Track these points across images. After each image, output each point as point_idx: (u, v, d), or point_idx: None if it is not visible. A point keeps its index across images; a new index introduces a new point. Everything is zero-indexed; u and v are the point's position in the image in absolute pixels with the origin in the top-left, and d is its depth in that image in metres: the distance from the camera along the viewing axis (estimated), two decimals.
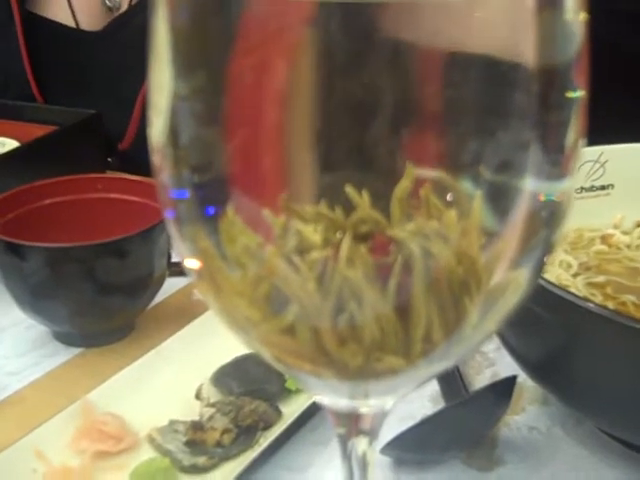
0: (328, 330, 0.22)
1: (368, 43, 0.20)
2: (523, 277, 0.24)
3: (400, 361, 0.23)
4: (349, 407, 0.27)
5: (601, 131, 0.56)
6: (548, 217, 0.23)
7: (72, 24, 1.01)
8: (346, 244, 0.21)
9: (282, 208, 0.21)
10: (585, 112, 0.23)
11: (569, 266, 0.53)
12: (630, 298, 0.49)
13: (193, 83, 0.22)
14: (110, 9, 1.00)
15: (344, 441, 0.28)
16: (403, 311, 0.22)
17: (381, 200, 0.21)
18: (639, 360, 0.39)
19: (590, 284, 0.51)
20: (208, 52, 0.22)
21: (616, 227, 0.57)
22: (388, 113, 0.20)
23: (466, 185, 0.21)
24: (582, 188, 0.58)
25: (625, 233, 0.57)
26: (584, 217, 0.58)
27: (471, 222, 0.21)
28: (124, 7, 0.99)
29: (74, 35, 1.01)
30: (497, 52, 0.21)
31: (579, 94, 0.23)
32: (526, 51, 0.21)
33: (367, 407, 0.27)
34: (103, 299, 0.57)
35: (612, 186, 0.58)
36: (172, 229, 0.24)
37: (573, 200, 0.24)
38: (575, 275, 0.52)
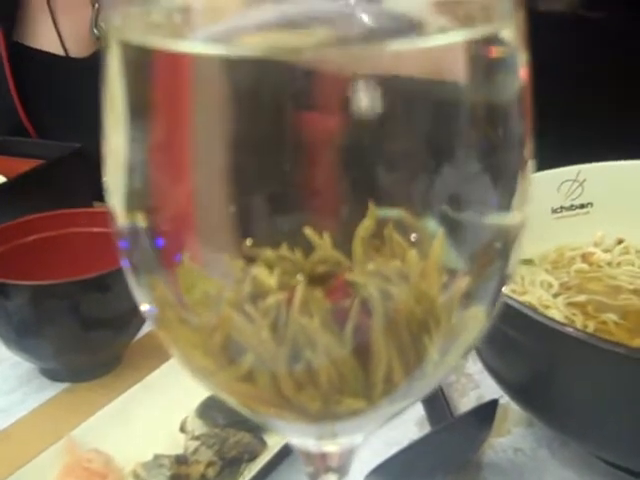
0: (285, 376, 0.22)
1: (311, 85, 0.20)
2: (481, 312, 0.24)
3: (361, 403, 0.23)
4: (317, 446, 0.27)
5: (579, 149, 0.57)
6: (502, 248, 0.23)
7: (60, 53, 1.02)
8: (301, 289, 0.21)
9: (240, 252, 0.21)
10: (531, 139, 0.23)
11: (550, 286, 0.53)
12: (611, 317, 0.49)
13: (145, 131, 0.22)
14: (98, 38, 1.01)
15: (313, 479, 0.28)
16: (361, 354, 0.22)
17: (342, 242, 0.21)
18: (619, 383, 0.39)
19: (571, 304, 0.51)
20: (156, 99, 0.22)
21: (596, 245, 0.58)
22: (339, 154, 0.21)
23: (427, 223, 0.22)
24: (562, 207, 0.58)
25: (606, 251, 0.57)
26: (564, 236, 0.58)
27: (431, 261, 0.22)
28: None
29: (62, 63, 1.02)
30: (440, 89, 0.21)
31: (523, 126, 0.23)
32: (467, 89, 0.21)
33: (336, 445, 0.27)
34: (88, 334, 0.57)
35: (591, 204, 0.58)
36: (128, 277, 0.24)
37: (526, 228, 0.25)
38: (556, 295, 0.53)
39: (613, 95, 0.78)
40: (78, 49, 1.02)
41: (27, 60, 1.03)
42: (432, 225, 0.21)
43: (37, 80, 1.02)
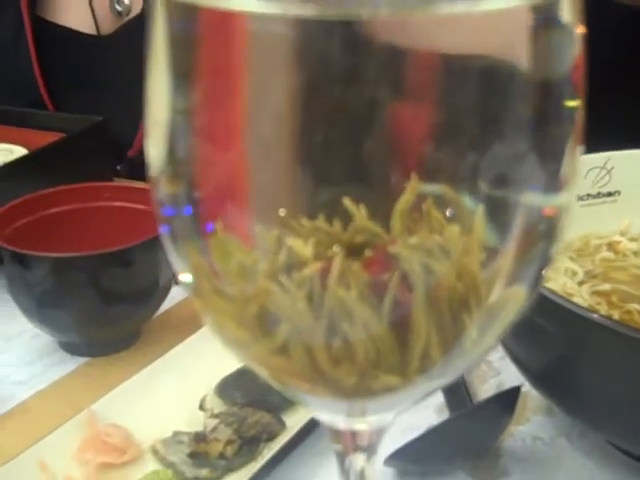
0: (321, 350, 0.21)
1: (362, 56, 0.20)
2: (522, 291, 0.24)
3: (397, 379, 0.23)
4: (347, 424, 0.26)
5: (608, 137, 0.56)
6: (546, 230, 0.23)
7: (82, 29, 1.02)
8: (338, 260, 0.21)
9: (276, 223, 0.21)
10: (583, 122, 0.23)
11: (574, 274, 0.53)
12: (636, 307, 0.49)
13: (190, 96, 0.22)
14: (120, 13, 1.00)
15: (342, 458, 0.27)
16: (399, 329, 0.22)
17: (379, 215, 0.21)
18: None
19: (595, 292, 0.51)
20: (205, 66, 0.22)
21: (623, 234, 0.57)
22: (386, 127, 0.20)
23: (467, 200, 0.21)
24: (588, 195, 0.58)
25: (632, 240, 0.56)
26: (590, 224, 0.57)
27: (472, 238, 0.21)
28: (134, 12, 0.99)
29: (84, 40, 1.01)
30: (492, 62, 0.21)
31: (575, 104, 0.23)
32: (522, 62, 0.21)
33: (365, 424, 0.27)
34: (109, 308, 0.57)
35: (619, 193, 0.58)
36: (167, 244, 0.24)
37: (571, 213, 0.24)
38: (581, 283, 0.52)
39: None
40: (99, 27, 1.02)
41: (50, 36, 1.02)
42: (472, 202, 0.21)
43: (59, 56, 1.02)
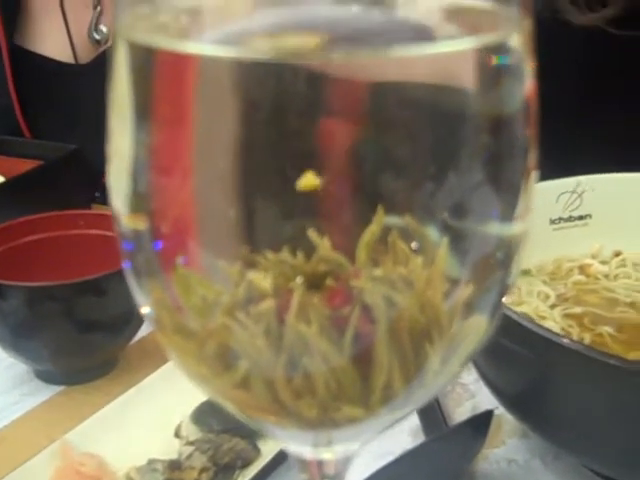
0: (282, 384, 0.22)
1: (317, 92, 0.20)
2: (482, 321, 0.24)
3: (359, 411, 0.23)
4: (313, 454, 0.27)
5: (579, 162, 0.57)
6: (504, 259, 0.23)
7: (59, 58, 1.02)
8: (298, 294, 0.21)
9: (237, 256, 0.21)
10: (536, 153, 0.24)
11: (547, 297, 0.53)
12: (607, 329, 0.49)
13: (148, 133, 0.22)
14: (98, 42, 1.01)
15: None
16: (361, 362, 0.22)
17: (343, 247, 0.21)
18: (613, 395, 0.39)
19: (567, 315, 0.52)
20: (162, 103, 0.22)
21: (594, 257, 0.58)
22: (345, 160, 0.21)
23: (429, 231, 0.22)
24: (560, 218, 0.58)
25: (603, 263, 0.57)
26: (563, 247, 0.58)
27: (436, 269, 0.22)
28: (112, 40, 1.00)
29: (61, 68, 1.02)
30: (446, 99, 0.21)
31: (528, 137, 0.23)
32: (474, 99, 0.21)
33: (331, 453, 0.27)
34: (84, 337, 0.57)
35: (590, 216, 0.59)
36: (129, 279, 0.24)
37: (528, 241, 0.25)
38: (553, 306, 0.53)
39: (618, 111, 0.78)
40: (77, 55, 1.02)
41: (27, 64, 1.03)
42: (436, 233, 0.21)
43: (37, 84, 1.02)
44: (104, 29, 1.00)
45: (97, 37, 1.00)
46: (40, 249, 0.62)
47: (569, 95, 0.77)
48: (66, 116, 1.01)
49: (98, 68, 0.99)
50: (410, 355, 0.22)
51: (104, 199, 0.83)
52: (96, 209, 0.79)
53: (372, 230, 0.21)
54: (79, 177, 0.85)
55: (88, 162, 0.86)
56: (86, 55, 1.01)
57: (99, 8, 1.00)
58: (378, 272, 0.21)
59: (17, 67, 1.02)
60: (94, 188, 0.93)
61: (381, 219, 0.20)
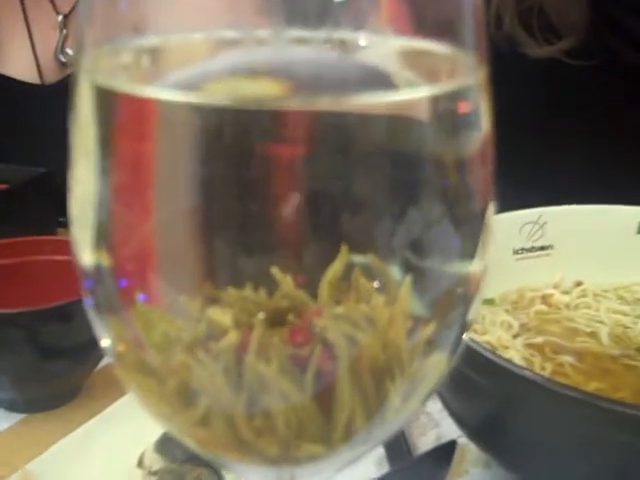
0: (243, 422, 0.22)
1: (275, 137, 0.21)
2: (443, 358, 0.24)
3: (320, 448, 0.23)
4: None
5: (542, 193, 0.58)
6: (464, 295, 0.24)
7: (25, 79, 1.02)
8: (257, 332, 0.21)
9: (201, 294, 0.21)
10: (493, 192, 0.24)
11: (510, 327, 0.54)
12: (568, 359, 0.50)
13: (107, 172, 0.22)
14: (64, 64, 1.00)
15: None
16: (322, 399, 0.22)
17: (305, 285, 0.21)
18: (573, 426, 0.40)
19: (529, 345, 0.52)
20: (122, 140, 0.22)
21: (556, 287, 0.59)
22: (304, 201, 0.21)
23: (390, 269, 0.22)
24: (523, 249, 0.59)
25: (565, 293, 0.58)
26: (525, 277, 0.59)
27: (398, 308, 0.22)
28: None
29: (26, 90, 1.01)
30: (403, 146, 0.22)
31: (484, 177, 0.24)
32: (430, 144, 0.22)
33: None
34: (48, 365, 0.56)
35: (552, 247, 0.60)
36: (90, 314, 0.24)
37: (487, 276, 0.25)
38: (515, 336, 0.53)
39: (578, 142, 0.80)
40: (43, 77, 1.02)
41: None
42: (397, 271, 0.22)
43: (1, 105, 1.02)
44: (70, 51, 0.99)
45: (63, 59, 1.00)
46: (4, 275, 0.62)
47: (528, 125, 0.78)
48: (32, 138, 1.00)
49: (64, 89, 0.99)
50: (371, 393, 0.22)
51: (69, 224, 0.81)
52: (61, 234, 0.79)
53: (335, 268, 0.21)
54: (45, 201, 0.84)
55: (55, 186, 0.85)
56: (52, 77, 1.01)
57: (65, 31, 0.99)
58: (340, 310, 0.21)
59: None
60: (59, 212, 0.93)
61: (345, 257, 0.21)
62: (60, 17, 0.99)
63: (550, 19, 0.75)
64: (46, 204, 0.84)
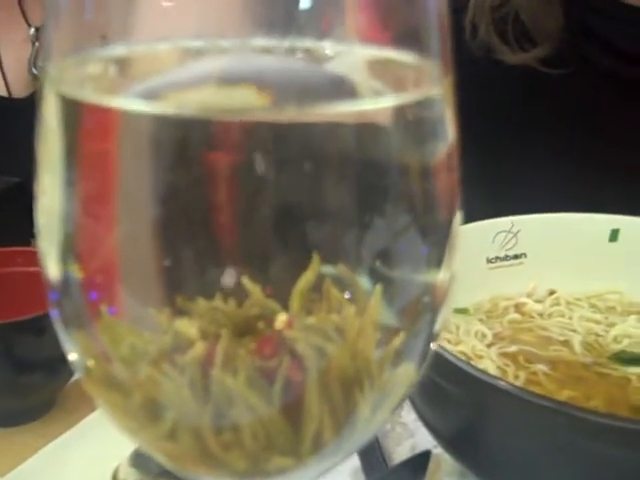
0: (210, 435, 0.22)
1: (242, 143, 0.20)
2: (411, 368, 0.24)
3: (289, 461, 0.23)
4: None
5: (517, 202, 0.59)
6: (431, 303, 0.24)
7: (1, 92, 1.01)
8: (223, 344, 0.21)
9: (168, 305, 0.21)
10: (459, 201, 0.24)
11: (484, 336, 0.54)
12: (541, 368, 0.50)
13: (72, 182, 0.22)
14: (36, 77, 1.00)
15: None
16: (290, 411, 0.22)
17: (273, 296, 0.21)
18: (546, 435, 0.40)
19: (503, 354, 0.52)
20: (87, 150, 0.22)
21: (529, 295, 0.59)
22: (271, 211, 0.21)
23: (360, 278, 0.22)
24: (497, 257, 0.60)
25: (538, 301, 0.59)
26: (499, 286, 0.59)
27: (368, 318, 0.22)
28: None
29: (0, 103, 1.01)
30: (368, 154, 0.22)
31: (450, 186, 0.24)
32: (395, 152, 0.22)
33: None
34: (21, 378, 0.55)
35: (525, 255, 0.60)
36: (57, 327, 0.24)
37: (454, 285, 0.25)
38: (489, 345, 0.54)
39: (552, 149, 0.80)
40: (15, 90, 1.01)
41: None
42: (367, 281, 0.22)
43: None
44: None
45: (35, 72, 0.99)
46: None
47: (503, 132, 0.79)
48: (3, 151, 1.00)
49: (36, 102, 0.98)
50: (340, 404, 0.22)
51: None
52: (34, 246, 0.78)
53: (307, 278, 0.21)
54: (18, 212, 0.84)
55: (28, 196, 0.85)
56: (23, 90, 1.01)
57: (37, 44, 0.99)
58: (310, 321, 0.21)
59: None
60: (32, 223, 0.92)
61: (316, 267, 0.21)
62: (32, 30, 0.99)
63: (525, 27, 0.76)
64: (18, 215, 0.84)
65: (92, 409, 0.56)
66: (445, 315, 0.25)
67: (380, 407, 0.24)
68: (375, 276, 0.22)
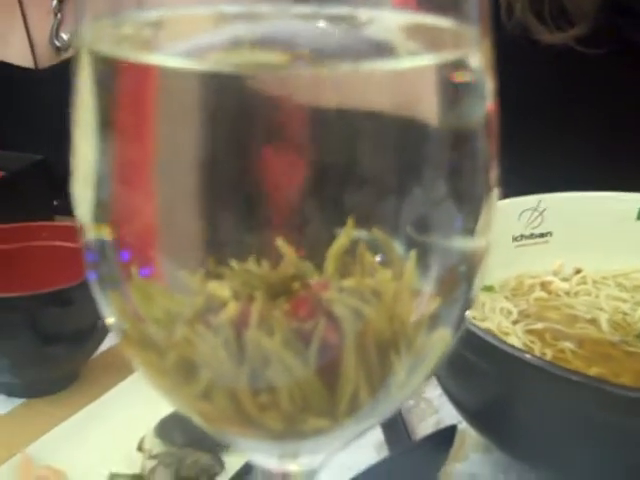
0: (246, 396, 0.22)
1: (280, 109, 0.20)
2: (447, 333, 0.24)
3: (325, 422, 0.23)
4: (279, 465, 0.27)
5: (542, 180, 0.58)
6: (466, 272, 0.24)
7: (22, 63, 1.01)
8: (259, 303, 0.21)
9: (201, 267, 0.21)
10: (497, 168, 0.24)
11: (509, 313, 0.54)
12: (568, 345, 0.50)
13: (112, 144, 0.22)
14: (59, 49, 1.00)
15: None
16: (327, 373, 0.22)
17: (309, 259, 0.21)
18: (574, 410, 0.40)
19: (529, 331, 0.52)
20: (125, 114, 0.22)
21: (555, 274, 0.59)
22: (309, 175, 0.21)
23: (395, 244, 0.22)
24: (522, 235, 0.59)
25: (564, 280, 0.58)
26: (525, 264, 0.59)
27: (404, 282, 0.22)
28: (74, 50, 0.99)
29: (20, 74, 1.01)
30: (407, 115, 0.22)
31: (489, 152, 0.24)
32: (435, 115, 0.22)
33: (297, 465, 0.27)
34: (46, 349, 0.56)
35: (550, 234, 0.60)
36: (94, 290, 0.24)
37: (489, 253, 0.25)
38: (515, 322, 0.53)
39: (585, 128, 0.80)
40: (38, 62, 1.01)
41: None
42: (401, 247, 0.22)
43: None
44: (65, 36, 0.99)
45: (58, 44, 0.99)
46: (2, 260, 0.62)
47: (539, 112, 0.78)
48: (26, 123, 1.00)
49: (58, 74, 0.99)
50: (376, 366, 0.22)
51: (63, 207, 0.82)
52: (58, 220, 0.79)
53: (341, 241, 0.21)
54: (41, 188, 0.84)
55: (51, 172, 0.85)
56: (46, 61, 1.01)
57: (60, 15, 0.99)
58: (347, 283, 0.21)
59: None
60: (54, 196, 0.92)
61: (350, 231, 0.21)
62: (55, 1, 0.99)
63: (562, 6, 0.75)
64: (42, 191, 0.84)
65: (116, 381, 0.57)
66: (479, 284, 0.25)
67: (415, 371, 0.24)
68: (411, 242, 0.22)
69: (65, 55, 1.00)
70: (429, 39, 0.23)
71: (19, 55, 1.01)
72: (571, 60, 0.77)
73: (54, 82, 0.98)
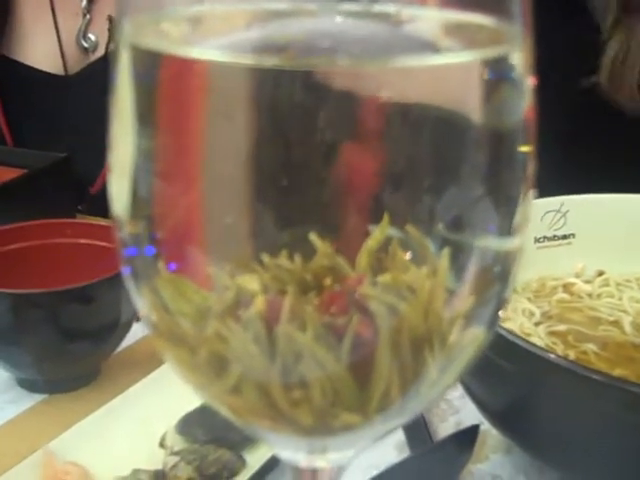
0: (277, 390, 0.22)
1: (321, 104, 0.20)
2: (480, 332, 0.24)
3: (356, 418, 0.23)
4: (307, 461, 0.27)
5: (564, 182, 0.58)
6: (501, 272, 0.24)
7: (47, 68, 1.02)
8: (290, 298, 0.21)
9: (236, 262, 0.21)
10: (534, 168, 0.24)
11: (532, 314, 0.54)
12: (591, 347, 0.50)
13: (152, 139, 0.22)
14: (86, 50, 1.00)
15: None
16: (359, 369, 0.22)
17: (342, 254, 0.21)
18: (597, 411, 0.40)
19: (552, 333, 0.52)
20: (166, 110, 0.22)
21: (577, 276, 0.58)
22: (345, 171, 0.21)
23: (430, 242, 0.22)
24: (545, 237, 0.59)
25: (586, 282, 0.58)
26: (547, 266, 0.59)
27: (439, 279, 0.22)
28: (101, 49, 0.99)
29: (48, 79, 1.01)
30: (447, 112, 0.22)
31: (527, 152, 0.23)
32: (474, 112, 0.22)
33: (325, 461, 0.27)
34: (68, 345, 0.56)
35: (573, 235, 0.59)
36: (128, 284, 0.24)
37: (525, 255, 0.25)
38: (537, 324, 0.53)
39: (606, 128, 0.79)
40: (66, 63, 1.02)
41: (13, 74, 1.02)
42: (436, 245, 0.22)
43: (22, 94, 1.02)
44: (92, 37, 0.99)
45: (85, 45, 1.00)
46: (26, 257, 0.62)
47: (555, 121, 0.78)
48: (52, 126, 1.00)
49: (85, 79, 0.99)
50: (409, 364, 0.22)
51: (88, 209, 0.82)
52: (80, 219, 0.79)
53: (376, 237, 0.21)
54: (64, 186, 0.85)
55: (74, 171, 0.86)
56: (74, 64, 1.01)
57: (88, 16, 0.99)
58: (383, 279, 0.21)
59: (3, 77, 1.01)
60: (78, 199, 0.93)
61: (385, 227, 0.21)
62: (84, 2, 0.99)
63: None
64: (64, 189, 0.85)
65: (138, 377, 0.57)
66: (513, 283, 0.25)
67: (447, 370, 0.24)
68: (444, 241, 0.22)
69: (92, 58, 1.00)
70: (468, 37, 0.23)
71: (47, 56, 1.01)
72: None
73: (81, 86, 0.98)
